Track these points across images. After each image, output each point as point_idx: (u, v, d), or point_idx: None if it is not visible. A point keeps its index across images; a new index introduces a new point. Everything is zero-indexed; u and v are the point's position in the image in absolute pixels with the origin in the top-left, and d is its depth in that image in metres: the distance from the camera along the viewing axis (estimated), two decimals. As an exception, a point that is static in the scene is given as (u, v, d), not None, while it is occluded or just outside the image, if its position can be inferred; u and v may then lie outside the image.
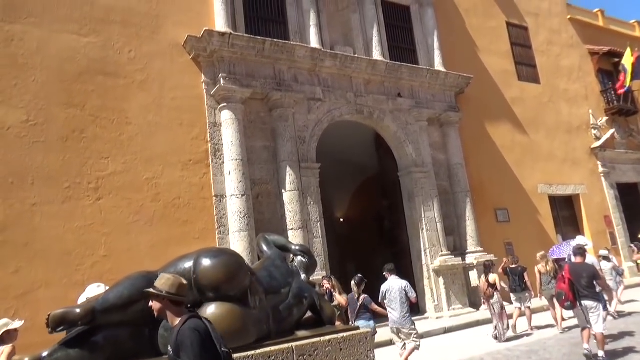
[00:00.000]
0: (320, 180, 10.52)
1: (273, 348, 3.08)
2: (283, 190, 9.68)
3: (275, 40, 9.97)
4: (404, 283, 6.67)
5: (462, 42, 13.84)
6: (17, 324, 4.20)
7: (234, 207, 8.95)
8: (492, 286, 8.45)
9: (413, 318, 6.85)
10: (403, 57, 12.25)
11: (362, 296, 6.58)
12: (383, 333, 7.70)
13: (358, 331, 3.41)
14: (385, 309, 6.68)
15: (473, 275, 11.40)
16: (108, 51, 8.56)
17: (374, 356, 3.35)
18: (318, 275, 9.21)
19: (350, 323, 6.65)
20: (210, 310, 2.90)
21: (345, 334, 3.30)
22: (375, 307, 6.69)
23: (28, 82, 7.75)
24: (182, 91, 9.15)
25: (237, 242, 8.74)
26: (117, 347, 2.85)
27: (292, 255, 3.98)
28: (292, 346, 3.12)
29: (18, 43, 7.77)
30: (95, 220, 7.89)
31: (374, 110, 11.42)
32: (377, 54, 11.61)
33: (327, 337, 3.22)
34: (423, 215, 11.36)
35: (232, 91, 9.31)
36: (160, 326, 2.93)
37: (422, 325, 9.38)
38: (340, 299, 6.32)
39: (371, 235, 15.60)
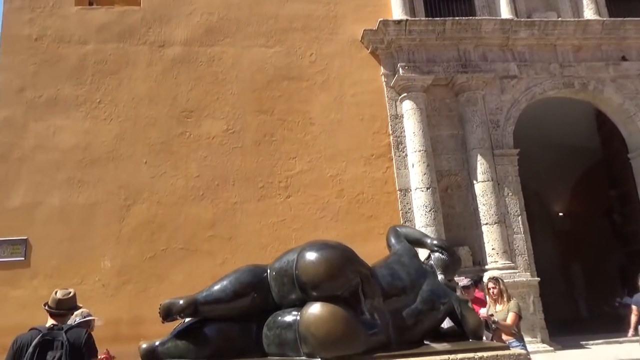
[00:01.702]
0: (522, 169, 9.23)
1: None
2: (474, 181, 8.76)
3: (457, 18, 9.15)
4: None
5: None
6: (96, 321, 4.38)
7: (419, 201, 8.46)
8: None
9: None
10: (625, 10, 9.92)
11: None
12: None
13: (506, 352, 2.62)
14: None
15: None
16: (291, 57, 9.07)
17: None
18: (514, 275, 8.06)
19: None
20: (310, 310, 2.58)
21: (486, 354, 2.57)
22: None
23: (227, 95, 8.73)
24: (362, 86, 9.11)
25: (423, 238, 8.23)
26: (225, 341, 2.77)
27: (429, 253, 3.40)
28: None
29: (217, 62, 8.82)
30: (286, 217, 8.40)
31: (588, 81, 9.50)
32: (589, 13, 9.66)
33: (459, 356, 2.56)
34: (666, 205, 8.94)
35: (411, 80, 8.87)
36: (264, 324, 2.77)
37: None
38: (499, 309, 4.95)
39: (600, 232, 13.10)
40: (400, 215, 8.66)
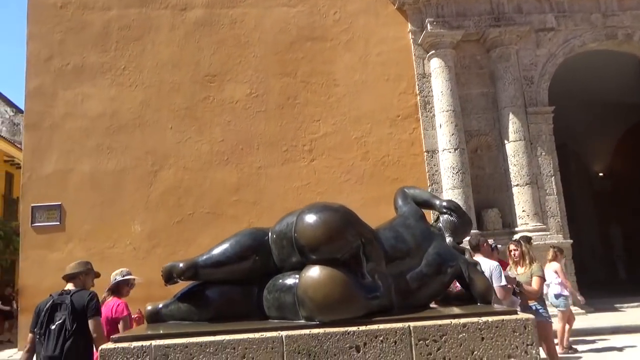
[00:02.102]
0: (558, 128, 8.81)
1: (383, 326, 2.49)
2: (505, 141, 8.43)
3: (490, -34, 8.61)
4: None
5: None
6: (136, 280, 4.45)
7: (447, 162, 8.23)
8: None
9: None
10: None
11: None
12: None
13: (512, 316, 2.50)
14: None
15: None
16: (314, 16, 8.80)
17: (537, 353, 2.40)
18: (554, 238, 7.81)
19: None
20: (308, 273, 2.52)
21: (491, 319, 2.47)
22: None
23: (249, 58, 8.61)
24: (388, 45, 8.79)
25: (451, 200, 8.05)
26: (226, 304, 2.76)
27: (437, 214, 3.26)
28: (408, 326, 2.49)
29: (239, 24, 8.66)
30: (310, 180, 8.36)
31: (633, 31, 8.84)
32: (636, -44, 8.89)
33: (462, 320, 2.46)
34: None
35: (440, 36, 8.47)
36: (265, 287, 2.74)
37: None
38: (520, 272, 4.71)
39: (643, 194, 12.50)
40: (427, 177, 8.48)
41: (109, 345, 2.43)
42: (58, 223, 7.91)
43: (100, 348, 2.44)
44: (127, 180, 8.11)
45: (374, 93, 8.61)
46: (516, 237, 6.85)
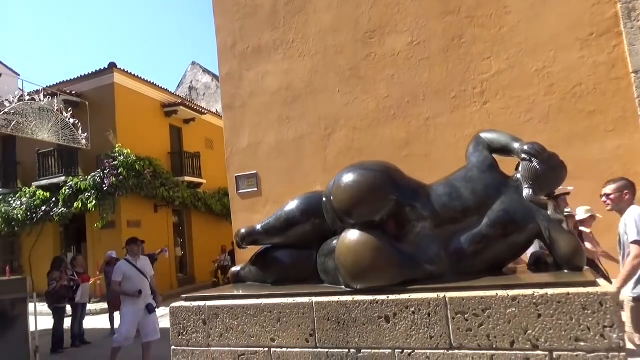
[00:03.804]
0: None
1: (415, 296, 2.14)
2: None
3: None
4: None
5: None
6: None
7: (664, 82, 6.46)
8: None
9: None
10: None
11: None
12: None
13: (582, 289, 1.84)
14: None
15: None
16: (475, -61, 7.75)
17: (621, 338, 1.73)
18: None
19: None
20: (341, 239, 2.35)
21: (551, 291, 1.87)
22: None
23: (407, 5, 8.15)
24: (571, -52, 7.19)
25: (670, 130, 6.34)
26: (288, 268, 2.80)
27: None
28: (444, 297, 2.08)
29: (393, -30, 8.23)
30: (484, 126, 7.57)
31: None
32: None
33: (511, 293, 1.94)
34: None
35: None
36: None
37: None
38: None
39: None
40: (637, 103, 6.82)
41: (178, 303, 2.81)
42: (256, 189, 9.11)
43: (170, 305, 2.85)
44: (306, 146, 8.76)
45: (556, 12, 7.23)
46: None
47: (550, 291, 1.95)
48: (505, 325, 2.01)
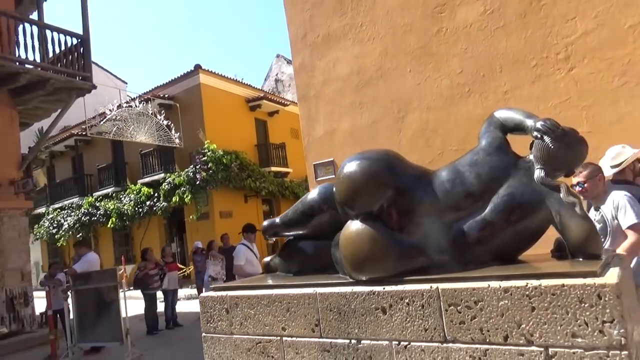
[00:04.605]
0: None
1: (409, 287, 1.98)
2: None
3: None
4: None
5: None
6: None
7: None
8: None
9: None
10: None
11: None
12: None
13: (579, 281, 1.55)
14: None
15: None
16: None
17: (622, 334, 1.43)
18: None
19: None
20: (343, 230, 2.31)
21: (545, 282, 1.61)
22: None
23: (478, -29, 7.61)
24: None
25: None
26: (310, 259, 2.81)
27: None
28: (436, 288, 1.90)
29: (461, -64, 7.71)
30: (570, 94, 6.90)
31: None
32: None
33: (503, 284, 1.71)
34: None
35: None
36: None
37: None
38: None
39: None
40: None
41: (206, 293, 2.99)
42: (333, 176, 9.17)
43: (200, 295, 3.04)
44: (380, 130, 8.62)
45: (653, -44, 6.28)
46: None
47: (544, 282, 1.75)
48: (498, 318, 1.85)
